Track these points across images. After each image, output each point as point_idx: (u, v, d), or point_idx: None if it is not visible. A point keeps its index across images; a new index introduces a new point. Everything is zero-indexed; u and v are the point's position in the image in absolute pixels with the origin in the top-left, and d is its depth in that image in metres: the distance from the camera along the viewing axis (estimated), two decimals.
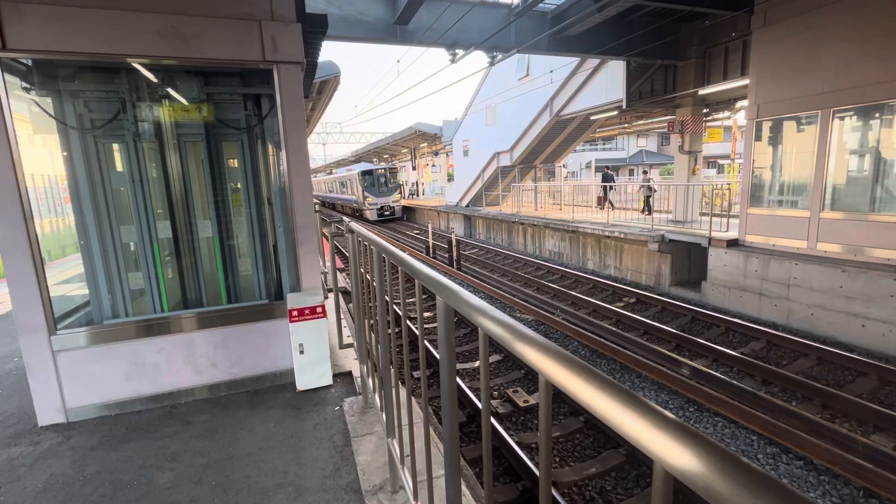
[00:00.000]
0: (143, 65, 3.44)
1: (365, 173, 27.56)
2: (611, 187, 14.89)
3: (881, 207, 7.03)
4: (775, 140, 8.60)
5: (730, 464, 0.42)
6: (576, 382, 0.63)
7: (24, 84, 3.28)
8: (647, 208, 13.12)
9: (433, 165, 35.68)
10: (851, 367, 6.02)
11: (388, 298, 2.11)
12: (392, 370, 2.14)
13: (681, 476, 0.46)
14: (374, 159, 37.49)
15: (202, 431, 3.07)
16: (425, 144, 30.79)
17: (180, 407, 3.42)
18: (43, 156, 3.44)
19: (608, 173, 16.54)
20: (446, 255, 14.02)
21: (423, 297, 1.53)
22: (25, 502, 2.44)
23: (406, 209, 28.77)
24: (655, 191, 13.49)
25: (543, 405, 0.77)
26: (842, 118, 7.46)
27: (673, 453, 0.47)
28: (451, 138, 23.92)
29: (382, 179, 27.67)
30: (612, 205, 14.62)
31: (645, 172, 15.57)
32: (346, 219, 3.42)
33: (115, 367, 3.35)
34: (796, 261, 7.64)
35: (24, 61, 3.22)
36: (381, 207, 27.37)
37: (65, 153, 3.42)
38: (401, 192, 28.83)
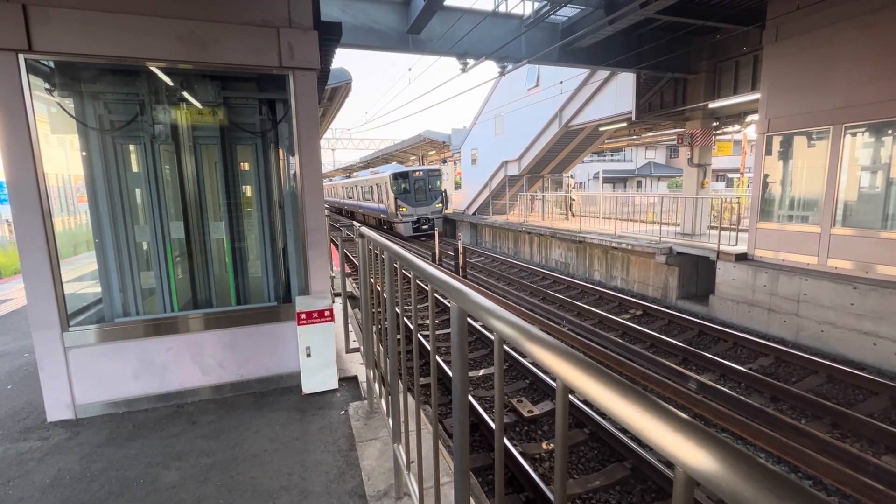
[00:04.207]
0: (163, 69, 3.51)
1: (398, 176, 21.57)
2: (533, 196, 20.24)
3: (893, 224, 6.96)
4: (786, 155, 8.57)
5: (755, 469, 0.42)
6: (595, 387, 0.64)
7: (47, 85, 3.36)
8: (570, 212, 17.58)
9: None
10: (862, 385, 5.93)
11: (398, 310, 2.12)
12: (399, 376, 2.14)
13: (704, 481, 0.46)
14: (382, 164, 37.64)
15: (208, 432, 3.08)
16: (433, 152, 30.90)
17: (187, 406, 3.44)
18: (58, 155, 3.51)
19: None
20: (452, 263, 14.03)
21: (428, 301, 1.54)
22: (33, 497, 2.46)
23: None
24: (574, 200, 18.01)
25: (560, 410, 0.78)
26: (854, 134, 7.42)
27: (696, 458, 0.48)
28: (460, 146, 24.04)
29: (420, 184, 21.61)
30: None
31: (569, 186, 20.65)
32: (356, 224, 3.45)
33: (124, 364, 3.38)
34: (806, 276, 7.57)
35: (48, 63, 3.30)
36: (418, 220, 21.43)
37: (84, 153, 3.48)
38: (443, 201, 22.36)
